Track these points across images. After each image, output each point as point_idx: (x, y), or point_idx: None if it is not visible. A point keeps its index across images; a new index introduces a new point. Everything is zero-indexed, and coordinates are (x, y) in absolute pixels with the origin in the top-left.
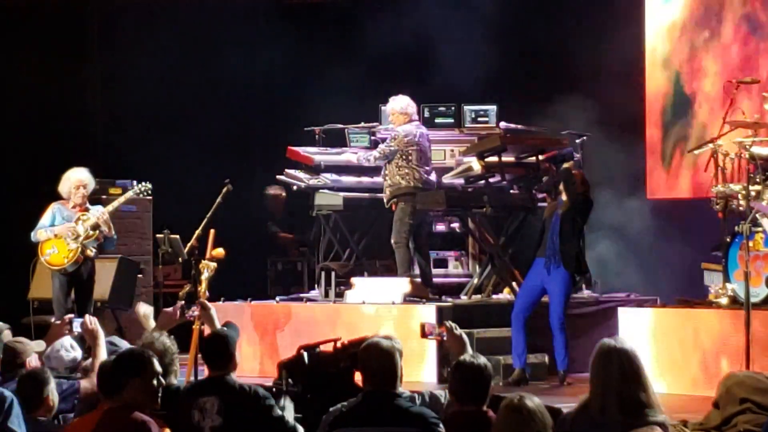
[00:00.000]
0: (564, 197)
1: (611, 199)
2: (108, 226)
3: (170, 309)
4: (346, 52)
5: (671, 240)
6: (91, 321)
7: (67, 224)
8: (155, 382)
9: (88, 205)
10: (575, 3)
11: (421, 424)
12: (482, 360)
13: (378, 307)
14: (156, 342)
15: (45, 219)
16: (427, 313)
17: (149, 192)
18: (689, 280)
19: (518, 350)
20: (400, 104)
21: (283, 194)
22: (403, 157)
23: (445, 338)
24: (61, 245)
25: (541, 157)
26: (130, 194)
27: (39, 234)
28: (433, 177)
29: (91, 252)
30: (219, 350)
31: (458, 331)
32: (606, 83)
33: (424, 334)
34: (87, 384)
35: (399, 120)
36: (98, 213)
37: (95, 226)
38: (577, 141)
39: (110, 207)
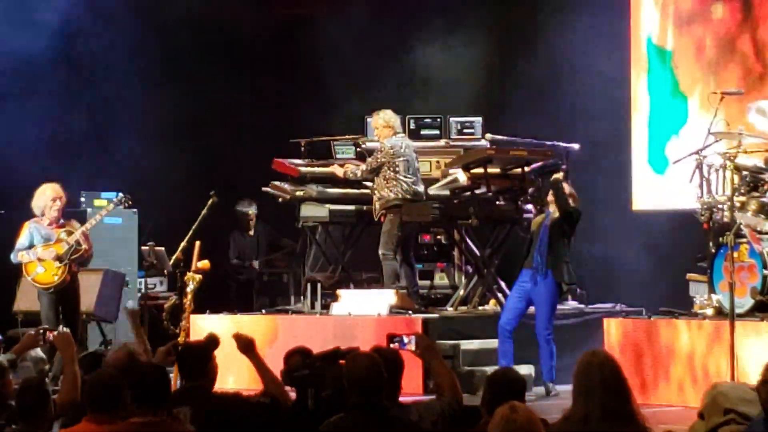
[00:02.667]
0: (552, 208)
1: (597, 210)
2: (88, 244)
3: (32, 332)
4: (330, 64)
5: (657, 251)
6: (64, 331)
7: (50, 247)
8: None
9: (62, 220)
10: (562, 16)
11: None
12: (516, 373)
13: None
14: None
15: (23, 239)
16: (413, 324)
17: (129, 203)
18: (674, 291)
19: (509, 361)
20: (383, 118)
21: (250, 212)
22: (391, 169)
23: (406, 348)
24: (48, 264)
25: (527, 169)
26: (110, 207)
27: (21, 257)
28: (420, 188)
29: (75, 267)
30: (192, 361)
31: (428, 340)
32: (592, 94)
33: (387, 344)
34: (64, 396)
35: (384, 134)
36: (77, 235)
37: (78, 244)
38: (564, 152)
39: (88, 225)
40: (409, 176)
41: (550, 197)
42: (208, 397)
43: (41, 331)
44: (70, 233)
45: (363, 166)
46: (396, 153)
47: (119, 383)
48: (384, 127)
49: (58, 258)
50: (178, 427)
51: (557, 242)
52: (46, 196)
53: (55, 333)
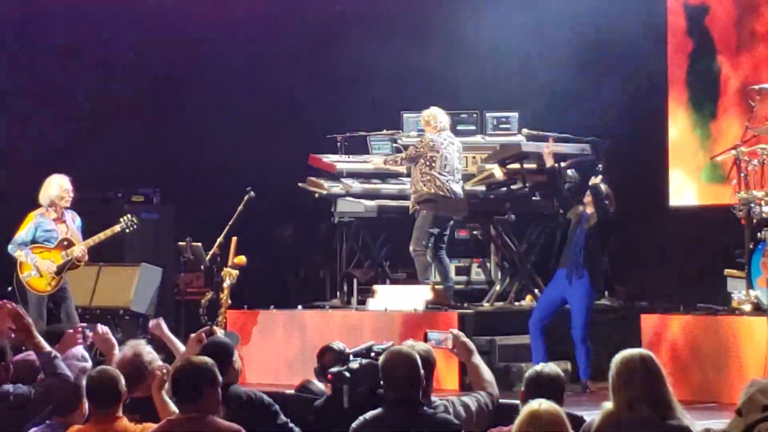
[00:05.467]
0: (589, 210)
1: (634, 206)
2: (85, 260)
3: (72, 331)
4: (368, 59)
5: (694, 247)
6: (103, 330)
7: (48, 254)
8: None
9: (65, 214)
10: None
11: (446, 430)
12: (555, 369)
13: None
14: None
15: (26, 233)
16: (449, 320)
17: (134, 225)
18: (712, 287)
19: (543, 357)
20: (424, 116)
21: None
22: (427, 163)
23: (442, 346)
24: (45, 273)
25: (563, 164)
26: (117, 228)
27: (18, 254)
28: (456, 186)
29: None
30: (216, 357)
31: (464, 338)
32: (627, 87)
33: (424, 342)
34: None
35: (427, 130)
36: (78, 252)
37: (77, 260)
38: (599, 147)
39: (90, 241)
40: (444, 173)
41: (588, 199)
42: (236, 395)
43: (80, 329)
44: (70, 245)
45: (402, 154)
46: (434, 147)
47: (118, 381)
48: (425, 124)
49: (56, 270)
50: (219, 424)
51: (594, 246)
52: (56, 189)
53: (94, 332)
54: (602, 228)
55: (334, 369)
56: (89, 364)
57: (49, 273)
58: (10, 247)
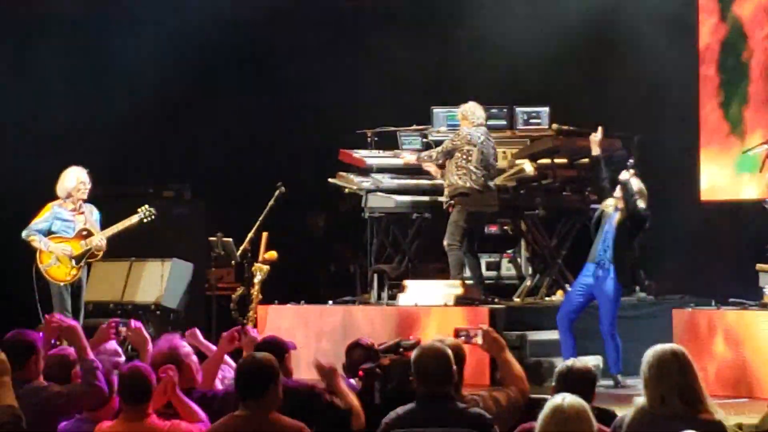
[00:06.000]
0: (621, 205)
1: (665, 200)
2: (101, 253)
3: (105, 326)
4: (396, 52)
5: (726, 241)
6: (136, 326)
7: (67, 244)
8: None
9: (83, 205)
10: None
11: (477, 425)
12: (586, 364)
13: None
14: None
15: (42, 222)
16: (480, 315)
17: (153, 216)
18: (744, 282)
19: (572, 353)
20: (461, 110)
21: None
22: (464, 156)
23: (473, 342)
24: (64, 260)
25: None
26: (135, 219)
27: (32, 238)
28: (491, 183)
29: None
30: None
31: (494, 334)
32: (659, 81)
33: (455, 338)
34: None
35: (462, 125)
36: (97, 241)
37: (97, 249)
38: (631, 142)
39: (110, 232)
40: (480, 168)
41: (618, 193)
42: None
43: (113, 324)
44: (89, 235)
45: (438, 148)
46: (471, 141)
47: (150, 378)
48: (462, 118)
49: (74, 258)
50: (283, 421)
51: (623, 242)
52: (73, 180)
53: (127, 328)
54: (631, 223)
55: (365, 366)
56: (122, 359)
57: (66, 256)
58: (24, 232)
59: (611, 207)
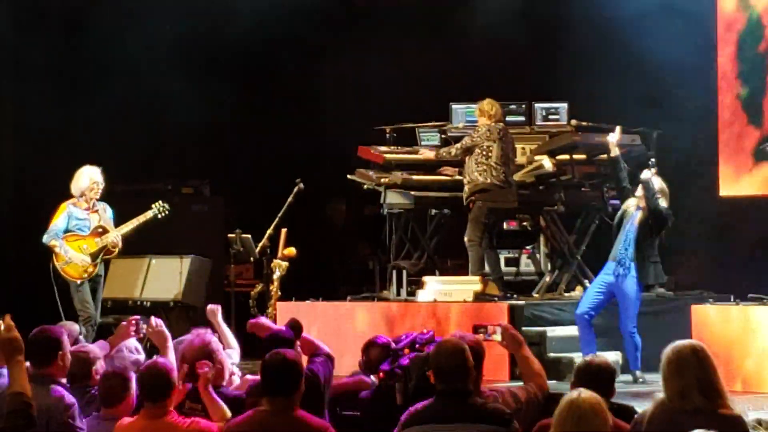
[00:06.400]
0: (642, 204)
1: (684, 195)
2: (119, 247)
3: (126, 324)
4: (414, 49)
5: (745, 237)
6: (157, 323)
7: (82, 242)
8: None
9: (97, 204)
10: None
11: (496, 420)
12: (605, 360)
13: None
14: None
15: (60, 222)
16: (499, 311)
17: (167, 211)
18: (763, 278)
19: (592, 349)
20: (479, 106)
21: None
22: (483, 153)
23: (492, 338)
24: (79, 265)
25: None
26: (149, 214)
27: (53, 243)
28: (511, 179)
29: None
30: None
31: (513, 330)
32: (676, 76)
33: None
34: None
35: (481, 122)
36: (113, 237)
37: (112, 246)
38: (650, 138)
39: (125, 228)
40: (500, 164)
41: (640, 192)
42: None
43: (134, 322)
44: (104, 232)
45: (458, 144)
46: (491, 137)
47: (169, 375)
48: (480, 114)
49: (91, 255)
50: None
51: (644, 241)
52: (86, 180)
53: (148, 325)
54: (653, 222)
55: (385, 367)
56: (142, 356)
57: (83, 265)
58: (45, 237)
59: (633, 206)
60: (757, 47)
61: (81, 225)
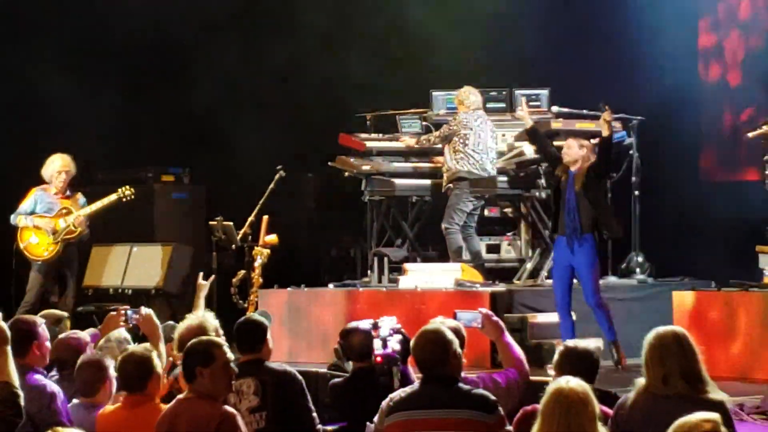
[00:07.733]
0: (573, 168)
1: (665, 182)
2: (84, 226)
3: (114, 313)
4: (396, 36)
5: (726, 223)
6: (147, 312)
7: (48, 218)
8: (227, 370)
9: (68, 192)
10: None
11: (482, 405)
12: (584, 349)
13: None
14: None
15: (26, 204)
16: (481, 298)
17: (132, 196)
18: (744, 264)
19: (571, 335)
20: (457, 96)
21: None
22: (460, 141)
23: (472, 325)
24: (42, 236)
25: (593, 141)
26: (113, 197)
27: (19, 220)
28: (489, 166)
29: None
30: (252, 334)
31: (494, 317)
32: (659, 64)
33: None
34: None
35: (460, 109)
36: (74, 217)
37: (75, 224)
38: (631, 124)
39: (88, 210)
40: (478, 152)
41: (576, 153)
42: (269, 368)
43: (123, 311)
44: (69, 213)
45: (436, 132)
46: (467, 125)
47: (147, 363)
48: (458, 103)
49: (53, 232)
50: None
51: (597, 198)
52: (54, 166)
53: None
54: (595, 176)
55: (380, 351)
56: (131, 346)
57: (47, 233)
58: (12, 216)
59: (563, 171)
60: None
61: (48, 207)
